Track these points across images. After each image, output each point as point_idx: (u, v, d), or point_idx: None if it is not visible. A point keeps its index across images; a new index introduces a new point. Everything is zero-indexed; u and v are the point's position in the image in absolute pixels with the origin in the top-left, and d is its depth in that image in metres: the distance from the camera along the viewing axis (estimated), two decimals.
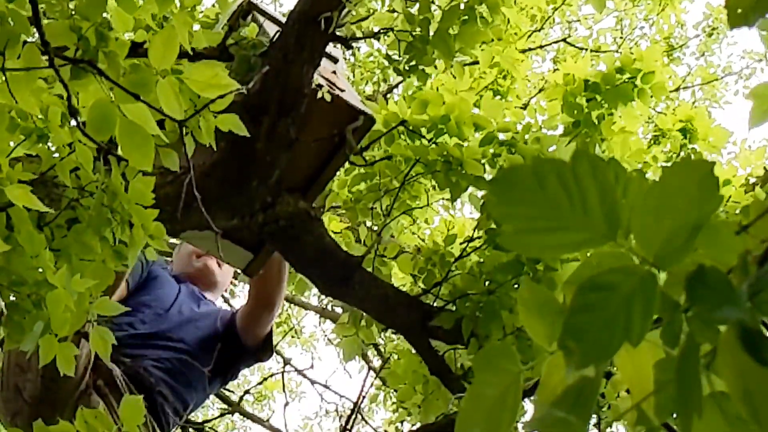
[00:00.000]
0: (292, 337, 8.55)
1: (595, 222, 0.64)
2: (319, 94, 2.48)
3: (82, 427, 1.83)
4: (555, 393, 0.72)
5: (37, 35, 1.23)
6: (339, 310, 7.04)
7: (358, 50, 6.64)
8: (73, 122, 1.77)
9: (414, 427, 3.38)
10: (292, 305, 8.37)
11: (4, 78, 1.24)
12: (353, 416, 1.70)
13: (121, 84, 1.17)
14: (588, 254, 0.78)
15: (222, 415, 6.51)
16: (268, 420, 5.39)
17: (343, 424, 1.66)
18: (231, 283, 7.33)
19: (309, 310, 7.53)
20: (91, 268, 1.88)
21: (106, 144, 1.91)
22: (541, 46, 6.15)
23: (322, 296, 7.47)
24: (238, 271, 3.25)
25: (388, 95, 6.28)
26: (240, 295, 8.05)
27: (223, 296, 7.14)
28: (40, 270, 1.74)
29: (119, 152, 1.34)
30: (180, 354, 2.97)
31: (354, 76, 6.46)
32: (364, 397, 2.16)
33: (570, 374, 0.65)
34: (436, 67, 3.05)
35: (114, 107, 1.25)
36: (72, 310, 1.74)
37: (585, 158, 0.63)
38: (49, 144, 1.81)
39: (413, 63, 2.66)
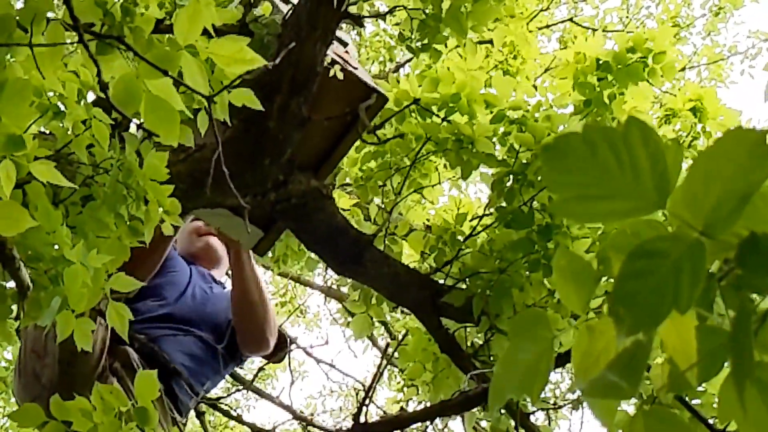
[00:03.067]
0: (297, 316, 8.57)
1: (646, 190, 0.64)
2: (332, 72, 2.48)
3: (98, 403, 1.83)
4: (598, 359, 0.73)
5: (59, 12, 1.22)
6: (344, 289, 7.06)
7: (364, 30, 6.62)
8: (91, 97, 1.77)
9: (419, 406, 3.39)
10: (297, 284, 8.39)
11: (31, 54, 1.23)
12: (371, 391, 1.71)
13: (147, 59, 1.17)
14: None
15: (237, 391, 6.52)
16: (278, 397, 5.40)
17: (360, 401, 1.67)
18: None
19: (314, 290, 7.54)
20: (107, 245, 1.88)
21: (121, 120, 1.91)
22: (547, 26, 6.12)
23: (327, 276, 7.49)
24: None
25: (394, 75, 6.27)
26: None
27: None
28: (57, 246, 1.74)
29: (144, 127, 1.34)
30: (196, 336, 2.98)
31: (360, 56, 6.44)
32: (381, 372, 2.16)
33: (620, 340, 0.65)
34: (446, 45, 3.04)
35: (139, 82, 1.24)
36: (89, 286, 1.75)
37: (636, 126, 0.63)
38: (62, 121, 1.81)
39: (426, 41, 2.65)
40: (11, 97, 1.21)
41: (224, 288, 3.37)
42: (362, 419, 1.67)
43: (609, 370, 0.67)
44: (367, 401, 1.75)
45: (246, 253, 3.06)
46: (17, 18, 1.20)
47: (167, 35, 1.26)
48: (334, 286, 7.19)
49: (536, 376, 0.78)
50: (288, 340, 3.33)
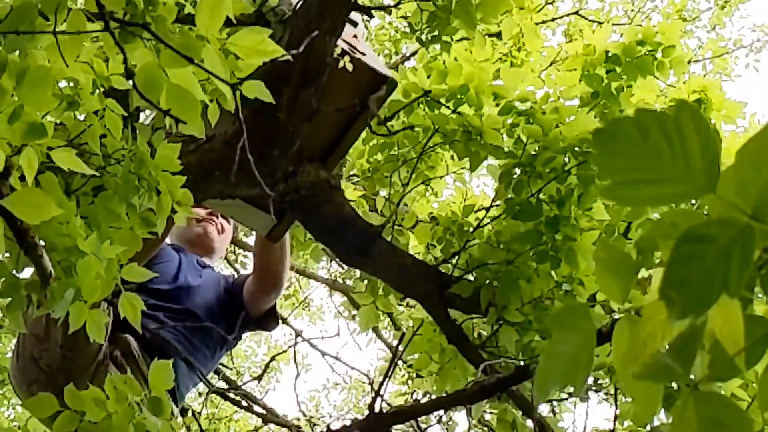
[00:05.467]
0: (303, 309, 8.58)
1: (695, 174, 0.65)
2: (341, 64, 2.48)
3: (112, 392, 1.84)
4: (645, 344, 0.73)
5: (80, 1, 1.23)
6: (349, 282, 7.07)
7: (369, 22, 6.62)
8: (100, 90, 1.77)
9: (422, 398, 3.40)
10: (300, 277, 8.40)
11: (50, 42, 1.24)
12: (386, 380, 1.72)
13: (174, 47, 1.17)
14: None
15: (247, 382, 6.53)
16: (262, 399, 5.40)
17: (375, 390, 1.68)
18: (241, 254, 7.34)
19: (319, 282, 7.55)
20: (119, 235, 1.88)
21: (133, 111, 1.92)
22: (553, 19, 6.12)
23: (332, 269, 7.50)
24: (247, 241, 3.24)
25: (400, 67, 6.26)
26: (249, 267, 8.07)
27: (234, 267, 7.16)
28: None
29: (164, 117, 1.34)
30: (192, 323, 2.99)
31: None
32: (396, 362, 2.17)
33: (672, 323, 0.66)
34: (451, 38, 3.04)
35: (161, 72, 1.25)
36: (102, 277, 1.75)
37: (688, 110, 0.64)
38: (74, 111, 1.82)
39: (435, 33, 2.65)
40: (33, 84, 1.22)
41: (214, 272, 3.37)
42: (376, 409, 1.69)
43: (664, 354, 0.68)
44: (382, 391, 1.76)
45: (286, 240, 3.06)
46: (39, 6, 1.21)
47: (186, 25, 1.27)
48: (339, 279, 7.19)
49: (579, 367, 0.79)
50: (278, 314, 3.34)
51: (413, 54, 6.16)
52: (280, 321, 3.38)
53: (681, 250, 0.65)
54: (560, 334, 0.81)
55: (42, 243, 1.40)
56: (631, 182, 0.67)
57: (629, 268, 0.80)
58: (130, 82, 1.25)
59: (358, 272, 5.77)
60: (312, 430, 6.01)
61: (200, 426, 2.36)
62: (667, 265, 0.65)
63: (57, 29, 1.23)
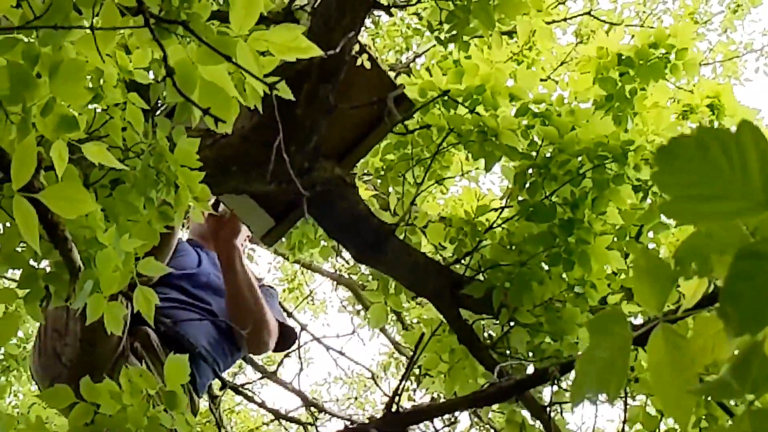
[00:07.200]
0: (308, 303, 8.60)
1: (754, 190, 0.65)
2: (359, 61, 2.48)
3: (127, 385, 1.84)
4: (693, 359, 0.73)
5: None
6: (354, 277, 7.08)
7: (380, 19, 6.61)
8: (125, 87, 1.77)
9: (426, 397, 3.39)
10: (305, 271, 8.41)
11: (83, 36, 1.24)
12: (404, 381, 1.71)
13: (211, 45, 1.17)
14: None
15: (260, 378, 6.54)
16: (290, 383, 5.42)
17: (393, 390, 1.68)
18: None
19: (324, 277, 7.56)
20: (137, 229, 1.88)
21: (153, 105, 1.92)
22: (564, 19, 6.11)
23: (337, 263, 7.50)
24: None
25: (411, 65, 6.26)
26: (257, 262, 8.09)
27: None
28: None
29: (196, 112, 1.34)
30: (212, 319, 2.98)
31: (376, 45, 6.44)
32: (415, 362, 2.17)
33: (730, 339, 0.66)
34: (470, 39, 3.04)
35: (195, 68, 1.25)
36: (120, 270, 1.75)
37: (748, 128, 0.64)
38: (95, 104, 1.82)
39: (454, 32, 2.65)
40: (66, 77, 1.22)
41: None
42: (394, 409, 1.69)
43: (726, 371, 0.68)
44: (400, 390, 1.76)
45: (238, 256, 3.04)
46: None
47: (217, 21, 1.27)
48: (345, 274, 7.20)
49: (614, 373, 0.79)
50: (295, 333, 3.32)
51: (424, 52, 6.16)
52: (295, 336, 3.34)
53: (739, 266, 0.65)
54: (597, 338, 0.81)
55: (69, 236, 1.40)
56: (691, 198, 0.67)
57: (667, 278, 0.81)
58: (160, 78, 1.25)
59: (363, 267, 5.77)
60: (315, 423, 6.02)
61: (219, 420, 2.36)
62: (725, 282, 0.66)
63: (89, 22, 1.23)
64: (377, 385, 6.21)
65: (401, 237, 2.95)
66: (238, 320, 2.99)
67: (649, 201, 2.97)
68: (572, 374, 2.18)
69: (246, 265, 3.08)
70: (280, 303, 3.46)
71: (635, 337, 0.84)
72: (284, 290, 8.83)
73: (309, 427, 5.60)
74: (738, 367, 0.68)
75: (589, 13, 6.32)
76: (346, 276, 7.22)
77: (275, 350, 3.24)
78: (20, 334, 5.71)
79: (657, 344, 0.78)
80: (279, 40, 1.23)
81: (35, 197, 1.19)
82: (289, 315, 7.27)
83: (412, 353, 2.47)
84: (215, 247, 3.15)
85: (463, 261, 2.86)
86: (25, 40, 1.26)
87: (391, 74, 2.81)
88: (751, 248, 0.65)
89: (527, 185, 2.78)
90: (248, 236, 3.27)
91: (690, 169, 0.66)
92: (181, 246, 3.18)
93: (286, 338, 3.19)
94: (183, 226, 3.76)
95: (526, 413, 3.00)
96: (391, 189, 3.22)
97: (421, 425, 3.14)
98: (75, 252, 1.42)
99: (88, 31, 1.25)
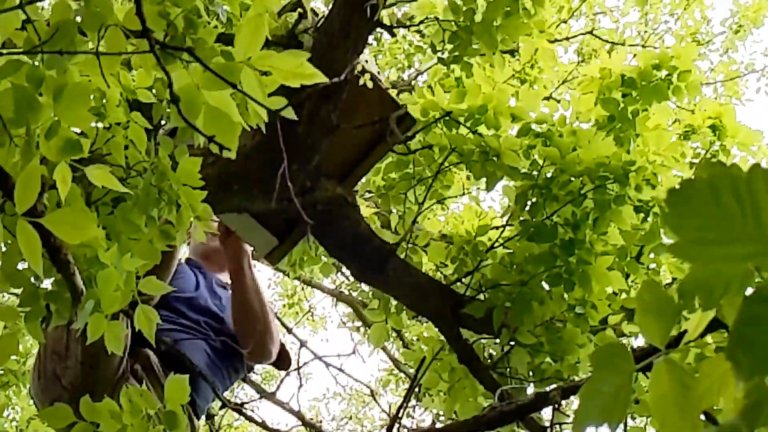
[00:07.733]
0: (308, 319, 8.59)
1: (766, 234, 0.65)
2: (361, 81, 2.49)
3: (127, 405, 1.84)
4: (700, 400, 0.73)
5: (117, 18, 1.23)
6: (354, 294, 7.07)
7: (382, 35, 6.63)
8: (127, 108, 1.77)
9: (425, 413, 3.37)
10: (305, 287, 8.40)
11: (86, 58, 1.24)
12: (405, 403, 1.71)
13: (215, 71, 1.17)
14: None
15: (259, 399, 6.52)
16: (287, 403, 5.41)
17: (394, 414, 1.67)
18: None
19: (325, 293, 7.55)
20: (138, 247, 1.88)
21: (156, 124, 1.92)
22: (567, 38, 6.13)
23: (337, 279, 7.50)
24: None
25: (413, 82, 6.28)
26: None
27: None
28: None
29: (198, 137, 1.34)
30: (211, 341, 2.97)
31: (377, 63, 6.45)
32: (419, 384, 2.17)
33: (739, 385, 0.66)
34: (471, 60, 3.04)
35: (199, 94, 1.25)
36: (121, 289, 1.75)
37: (760, 173, 0.64)
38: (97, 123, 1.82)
39: (457, 53, 2.65)
40: (71, 100, 1.22)
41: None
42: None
43: (738, 416, 0.68)
44: (401, 413, 1.76)
45: (247, 262, 3.03)
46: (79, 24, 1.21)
47: (221, 45, 1.27)
48: (345, 290, 7.19)
49: (617, 405, 0.79)
50: (290, 354, 3.30)
51: (426, 69, 6.17)
52: (291, 359, 3.33)
53: (749, 310, 0.65)
54: (600, 372, 0.81)
55: (72, 260, 1.40)
56: (704, 241, 0.67)
57: (671, 312, 0.81)
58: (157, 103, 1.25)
59: (363, 285, 5.77)
60: None
61: None
62: (735, 326, 0.65)
63: (94, 45, 1.24)
64: (376, 402, 6.20)
65: (402, 256, 2.95)
66: (244, 325, 2.99)
67: (650, 221, 2.97)
68: (573, 398, 2.17)
69: (256, 278, 3.08)
70: (278, 318, 3.45)
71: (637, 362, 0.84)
72: (284, 306, 8.82)
73: None
74: (748, 411, 0.68)
75: (591, 33, 6.34)
76: (347, 292, 7.21)
77: (272, 364, 3.23)
78: (19, 347, 5.70)
79: (660, 377, 0.78)
80: (284, 67, 1.23)
81: (38, 221, 1.19)
82: (289, 331, 7.25)
83: (414, 372, 2.46)
84: (223, 249, 3.12)
85: (463, 280, 2.86)
86: (30, 62, 1.26)
87: (393, 92, 2.82)
88: (762, 292, 0.65)
89: (528, 205, 2.78)
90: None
91: (702, 213, 0.66)
92: (179, 267, 3.16)
93: (283, 358, 3.18)
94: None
95: None
96: (393, 209, 3.22)
97: None
98: (78, 276, 1.42)
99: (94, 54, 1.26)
